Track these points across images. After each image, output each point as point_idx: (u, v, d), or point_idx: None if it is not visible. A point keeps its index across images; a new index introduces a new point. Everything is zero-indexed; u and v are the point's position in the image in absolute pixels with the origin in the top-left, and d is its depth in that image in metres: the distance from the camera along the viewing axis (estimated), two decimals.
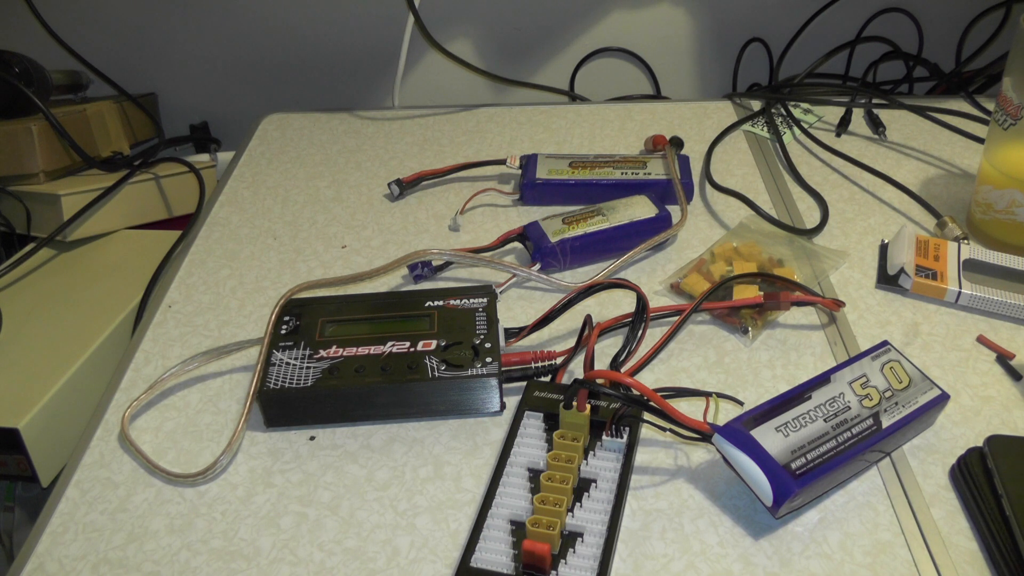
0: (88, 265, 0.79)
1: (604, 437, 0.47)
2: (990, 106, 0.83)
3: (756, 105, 0.88)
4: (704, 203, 0.72)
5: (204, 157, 0.94)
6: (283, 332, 0.54)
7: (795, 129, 0.82)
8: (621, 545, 0.44)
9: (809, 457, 0.44)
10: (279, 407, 0.51)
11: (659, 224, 0.65)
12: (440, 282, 0.64)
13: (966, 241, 0.65)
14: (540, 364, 0.53)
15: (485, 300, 0.56)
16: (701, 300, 0.57)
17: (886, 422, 0.46)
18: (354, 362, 0.51)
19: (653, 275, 0.64)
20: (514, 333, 0.55)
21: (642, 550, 0.44)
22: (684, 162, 0.74)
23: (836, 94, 0.90)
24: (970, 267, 0.61)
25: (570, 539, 0.42)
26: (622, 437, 0.47)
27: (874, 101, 0.85)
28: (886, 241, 0.66)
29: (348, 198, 0.75)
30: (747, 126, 0.84)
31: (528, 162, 0.74)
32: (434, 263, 0.64)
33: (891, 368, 0.49)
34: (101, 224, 0.82)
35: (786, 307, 0.57)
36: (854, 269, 0.64)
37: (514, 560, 0.41)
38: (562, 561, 0.41)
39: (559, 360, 0.53)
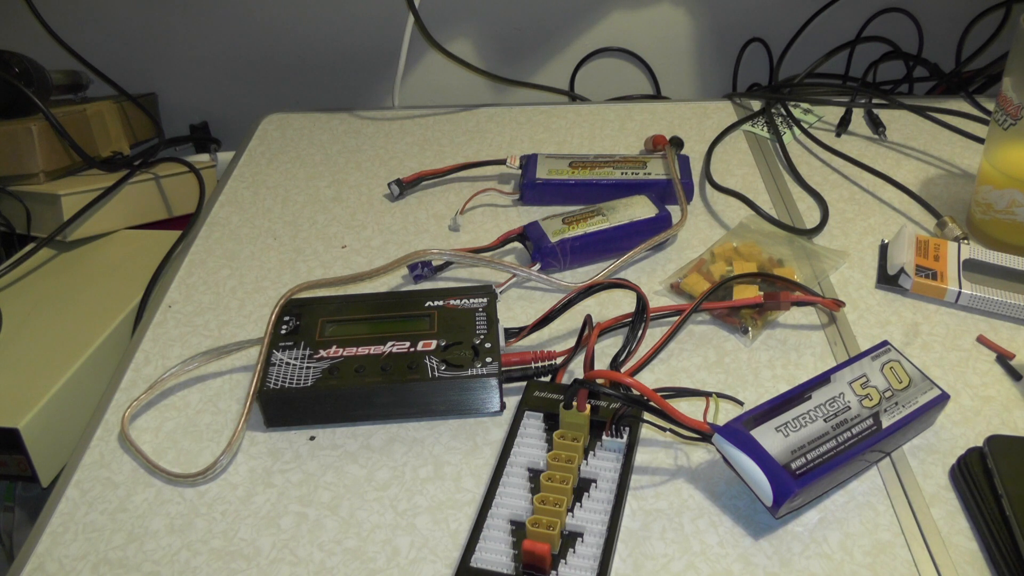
0: (88, 265, 0.79)
1: (604, 437, 0.47)
2: (990, 106, 0.83)
3: (756, 105, 0.88)
4: (704, 203, 0.72)
5: (204, 157, 0.94)
6: (283, 332, 0.54)
7: (795, 129, 0.82)
8: (621, 545, 0.44)
9: (809, 457, 0.44)
10: (279, 407, 0.51)
11: (659, 224, 0.65)
12: (440, 282, 0.64)
13: (966, 241, 0.65)
14: (540, 364, 0.53)
15: (485, 300, 0.56)
16: (701, 300, 0.57)
17: (886, 422, 0.46)
18: (354, 362, 0.51)
19: (653, 275, 0.64)
20: (514, 333, 0.55)
21: (642, 550, 0.44)
22: (684, 162, 0.74)
23: (836, 94, 0.90)
24: (970, 267, 0.61)
25: (570, 539, 0.42)
26: (622, 437, 0.47)
27: (874, 101, 0.85)
28: (886, 241, 0.66)
29: (348, 198, 0.75)
30: (747, 126, 0.84)
31: (528, 162, 0.74)
32: (434, 263, 0.64)
33: (891, 368, 0.49)
34: (101, 224, 0.82)
35: (786, 307, 0.57)
36: (854, 269, 0.64)
37: (514, 560, 0.41)
38: (562, 561, 0.41)
39: (559, 360, 0.53)
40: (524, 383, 0.52)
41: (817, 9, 0.97)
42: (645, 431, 0.50)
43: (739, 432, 0.45)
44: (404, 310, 0.55)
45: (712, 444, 0.46)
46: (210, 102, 1.04)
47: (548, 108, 0.89)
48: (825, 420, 0.46)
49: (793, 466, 0.43)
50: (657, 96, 1.03)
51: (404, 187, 0.74)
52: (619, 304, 0.61)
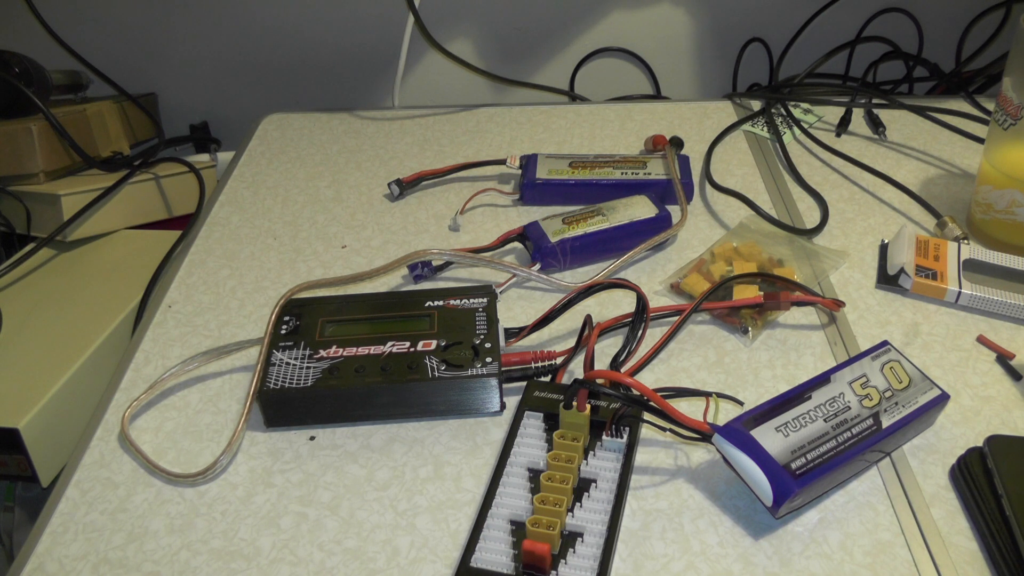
0: (88, 265, 0.79)
1: (604, 437, 0.47)
2: (990, 106, 0.83)
3: (756, 105, 0.88)
4: (704, 203, 0.72)
5: (204, 157, 0.94)
6: (283, 332, 0.54)
7: (795, 129, 0.82)
8: (621, 545, 0.44)
9: (809, 457, 0.44)
10: (279, 407, 0.51)
11: (659, 224, 0.65)
12: (440, 282, 0.64)
13: (966, 241, 0.65)
14: (540, 364, 0.53)
15: (485, 300, 0.56)
16: (701, 300, 0.57)
17: (886, 422, 0.46)
18: (354, 362, 0.51)
19: (653, 275, 0.64)
20: (514, 333, 0.55)
21: (642, 550, 0.44)
22: (684, 162, 0.74)
23: (836, 94, 0.90)
24: (970, 267, 0.61)
25: (570, 539, 0.42)
26: (622, 437, 0.47)
27: (874, 101, 0.85)
28: (886, 241, 0.66)
29: (348, 198, 0.75)
30: (747, 126, 0.84)
31: (528, 162, 0.74)
32: (434, 263, 0.64)
33: (891, 368, 0.49)
34: (101, 224, 0.82)
35: (786, 307, 0.57)
36: (854, 269, 0.64)
37: (514, 560, 0.41)
38: (562, 561, 0.41)
39: (559, 360, 0.53)
40: (524, 383, 0.52)
41: (817, 9, 0.97)
42: (645, 431, 0.50)
43: (739, 432, 0.45)
44: (404, 310, 0.55)
45: (712, 444, 0.46)
46: (210, 102, 1.04)
47: (548, 108, 0.89)
48: (825, 420, 0.46)
49: (793, 466, 0.43)
50: (657, 96, 1.03)
51: (404, 187, 0.74)
52: (619, 304, 0.61)
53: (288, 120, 0.89)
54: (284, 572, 0.44)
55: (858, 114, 0.85)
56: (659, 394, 0.46)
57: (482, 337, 0.53)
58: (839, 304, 0.58)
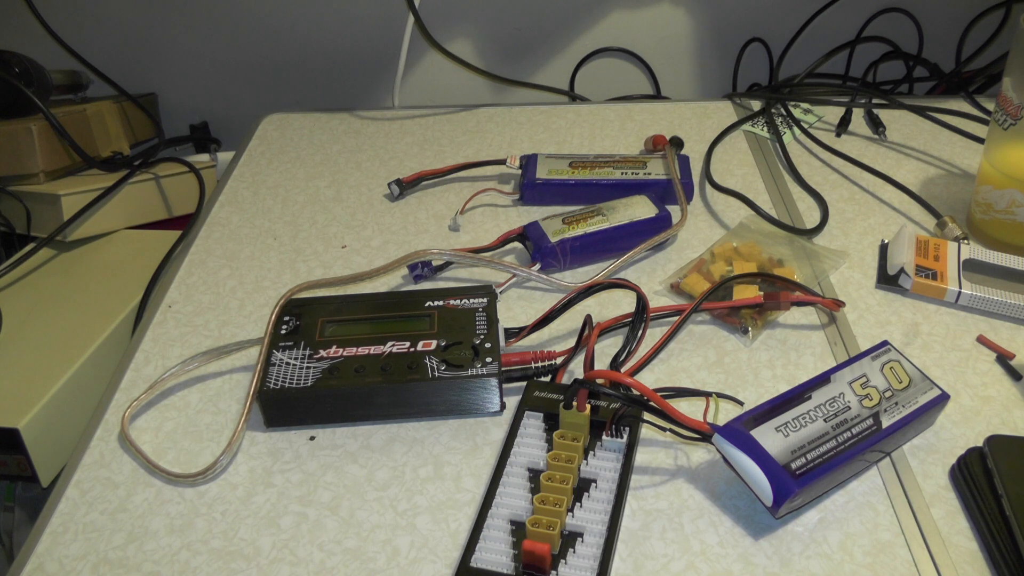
0: (88, 265, 0.79)
1: (604, 437, 0.47)
2: (990, 106, 0.83)
3: (756, 105, 0.88)
4: (704, 203, 0.72)
5: (204, 157, 0.94)
6: (283, 332, 0.54)
7: (795, 129, 0.82)
8: (621, 545, 0.44)
9: (809, 457, 0.44)
10: (279, 407, 0.51)
11: (659, 224, 0.65)
12: (440, 282, 0.64)
13: (966, 241, 0.65)
14: (540, 364, 0.53)
15: (485, 300, 0.56)
16: (701, 300, 0.57)
17: (886, 422, 0.46)
18: (354, 362, 0.51)
19: (653, 275, 0.64)
20: (514, 333, 0.55)
21: (642, 550, 0.44)
22: (684, 162, 0.74)
23: (836, 94, 0.90)
24: (970, 267, 0.61)
25: (570, 539, 0.42)
26: (622, 437, 0.47)
27: (874, 101, 0.85)
28: (886, 241, 0.66)
29: (348, 198, 0.75)
30: (747, 126, 0.84)
31: (528, 162, 0.74)
32: (434, 263, 0.64)
33: (891, 368, 0.49)
34: (101, 224, 0.82)
35: (786, 307, 0.57)
36: (854, 269, 0.64)
37: (514, 560, 0.41)
38: (562, 561, 0.41)
39: (559, 360, 0.53)
40: (524, 383, 0.52)
41: (817, 9, 0.97)
42: (645, 431, 0.50)
43: (739, 432, 0.45)
44: (404, 310, 0.55)
45: (712, 444, 0.46)
46: (210, 102, 1.04)
47: (548, 108, 0.89)
48: (825, 420, 0.46)
49: (793, 466, 0.43)
50: (657, 96, 1.03)
51: (404, 187, 0.74)
52: (619, 304, 0.61)
53: (288, 120, 0.89)
54: (284, 572, 0.44)
55: (858, 114, 0.85)
56: (659, 394, 0.46)
57: (482, 337, 0.53)
58: (839, 304, 0.58)
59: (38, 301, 0.74)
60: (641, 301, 0.54)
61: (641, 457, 0.49)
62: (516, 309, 0.61)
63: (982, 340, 0.56)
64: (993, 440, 0.46)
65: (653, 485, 0.47)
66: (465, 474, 0.48)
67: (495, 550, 0.42)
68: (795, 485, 0.42)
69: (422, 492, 0.47)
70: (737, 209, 0.71)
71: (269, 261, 0.67)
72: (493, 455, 0.50)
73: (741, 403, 0.52)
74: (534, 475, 0.46)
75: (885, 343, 0.51)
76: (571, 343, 0.56)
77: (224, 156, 0.94)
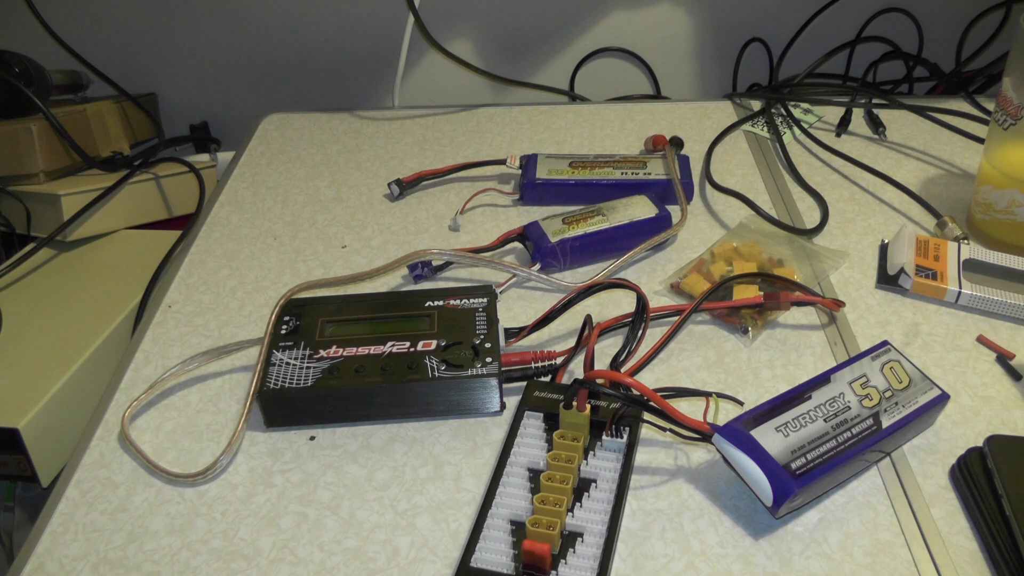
0: (88, 265, 0.79)
1: (604, 437, 0.47)
2: (990, 106, 0.83)
3: (756, 105, 0.88)
4: (704, 203, 0.72)
5: (204, 157, 0.94)
6: (283, 332, 0.54)
7: (795, 129, 0.82)
8: (621, 545, 0.44)
9: (809, 457, 0.44)
10: (279, 407, 0.51)
11: (659, 224, 0.65)
12: (440, 282, 0.64)
13: (966, 241, 0.65)
14: (540, 364, 0.53)
15: (485, 300, 0.56)
16: (701, 300, 0.57)
17: (886, 422, 0.46)
18: (354, 362, 0.51)
19: (653, 275, 0.64)
20: (514, 333, 0.55)
21: (642, 550, 0.44)
22: (684, 162, 0.74)
23: (836, 94, 0.90)
24: (970, 267, 0.61)
25: (570, 539, 0.42)
26: (622, 437, 0.47)
27: (874, 101, 0.85)
28: (886, 241, 0.66)
29: (348, 198, 0.75)
30: (747, 126, 0.84)
31: (528, 162, 0.74)
32: (434, 263, 0.64)
33: (891, 368, 0.49)
34: (101, 224, 0.82)
35: (786, 307, 0.57)
36: (854, 269, 0.64)
37: (514, 560, 0.41)
38: (562, 561, 0.41)
39: (559, 360, 0.53)
40: (524, 383, 0.52)
41: (817, 9, 0.97)
42: (645, 431, 0.50)
43: (739, 432, 0.45)
44: (404, 310, 0.55)
45: (712, 444, 0.46)
46: (210, 102, 1.04)
47: (548, 108, 0.89)
48: (825, 420, 0.46)
49: (793, 466, 0.43)
50: (657, 96, 1.03)
51: (404, 187, 0.74)
52: (619, 304, 0.61)
53: (288, 120, 0.89)
54: (284, 572, 0.44)
55: (858, 114, 0.85)
56: (659, 394, 0.46)
57: (482, 337, 0.53)
58: (839, 304, 0.58)
59: (38, 301, 0.74)
60: (641, 301, 0.54)
61: (641, 457, 0.49)
62: (516, 309, 0.61)
63: (982, 340, 0.56)
64: (993, 440, 0.46)
65: (653, 485, 0.47)
66: (465, 474, 0.48)
67: (495, 550, 0.42)
68: (795, 485, 0.42)
69: (422, 492, 0.47)
70: (737, 209, 0.71)
71: (269, 261, 0.67)
72: (493, 455, 0.50)
73: (741, 403, 0.52)
74: (534, 475, 0.46)
75: (885, 343, 0.51)
76: (571, 343, 0.56)
77: (224, 156, 0.94)
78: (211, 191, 0.83)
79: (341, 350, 0.52)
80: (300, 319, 0.55)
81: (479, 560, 0.42)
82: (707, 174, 0.75)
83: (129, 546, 0.45)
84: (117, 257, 0.80)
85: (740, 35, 0.99)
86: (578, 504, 0.44)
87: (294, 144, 0.84)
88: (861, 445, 0.45)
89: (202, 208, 0.78)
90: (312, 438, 0.51)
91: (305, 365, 0.51)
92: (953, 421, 0.51)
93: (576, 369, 0.54)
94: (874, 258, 0.65)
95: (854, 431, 0.45)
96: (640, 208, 0.66)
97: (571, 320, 0.59)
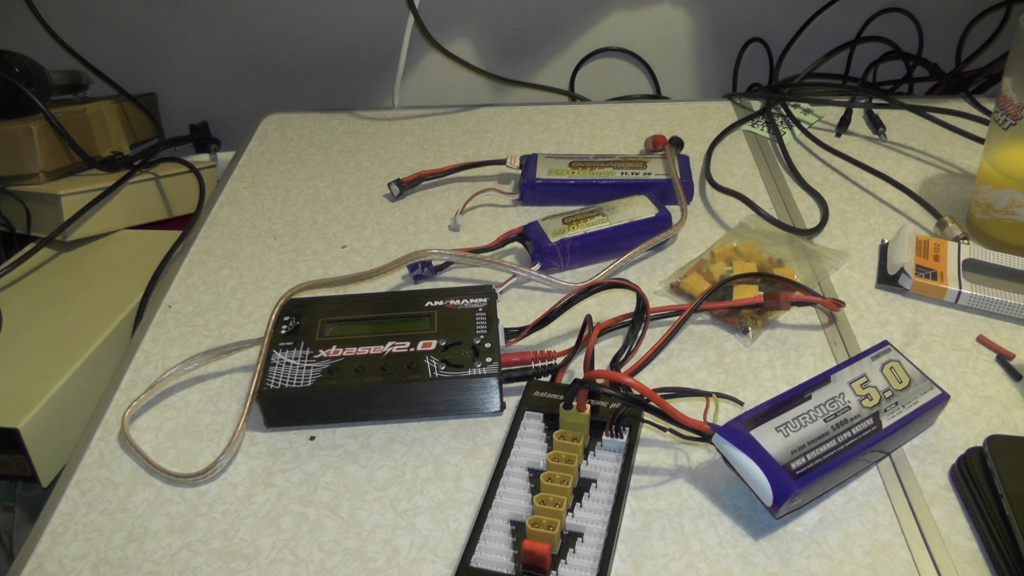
0: (88, 265, 0.79)
1: (604, 437, 0.47)
2: (990, 106, 0.83)
3: (756, 105, 0.88)
4: (704, 203, 0.72)
5: (204, 157, 0.94)
6: (283, 332, 0.54)
7: (795, 129, 0.82)
8: (621, 545, 0.44)
9: (809, 457, 0.44)
10: (279, 407, 0.51)
11: (659, 224, 0.65)
12: (440, 282, 0.64)
13: (966, 241, 0.65)
14: (540, 364, 0.53)
15: (485, 300, 0.56)
16: (701, 300, 0.57)
17: (886, 422, 0.46)
18: (354, 362, 0.51)
19: (653, 275, 0.64)
20: (514, 333, 0.55)
21: (642, 550, 0.44)
22: (684, 162, 0.74)
23: (836, 94, 0.90)
24: (970, 267, 0.61)
25: (570, 539, 0.42)
26: (622, 437, 0.47)
27: (874, 101, 0.85)
28: (886, 241, 0.66)
29: (348, 198, 0.75)
30: (747, 126, 0.84)
31: (528, 162, 0.74)
32: (434, 263, 0.64)
33: (891, 368, 0.49)
34: (101, 224, 0.82)
35: (786, 307, 0.56)
36: (854, 269, 0.64)
37: (514, 560, 0.41)
38: (562, 561, 0.41)
39: (559, 360, 0.53)
40: (524, 383, 0.52)
41: (817, 9, 0.97)
42: (645, 431, 0.50)
43: (739, 432, 0.45)
44: (404, 310, 0.55)
45: (712, 444, 0.46)
46: (210, 102, 1.04)
47: (548, 108, 0.89)
48: (825, 420, 0.46)
49: (793, 466, 0.43)
50: (657, 96, 1.03)
51: (404, 187, 0.74)
52: (619, 304, 0.61)
53: (288, 120, 0.89)
54: (284, 572, 0.44)
55: (858, 114, 0.85)
56: (659, 394, 0.46)
57: (482, 337, 0.53)
58: (839, 304, 0.58)
59: (38, 301, 0.74)
60: (641, 301, 0.54)
61: (641, 457, 0.49)
62: (516, 309, 0.61)
63: (982, 340, 0.56)
64: (993, 440, 0.46)
65: (653, 485, 0.47)
66: (465, 474, 0.48)
67: (495, 550, 0.42)
68: (795, 485, 0.42)
69: (422, 492, 0.47)
70: (737, 209, 0.71)
71: (269, 261, 0.67)
72: (493, 455, 0.50)
73: (741, 403, 0.52)
74: (534, 475, 0.46)
75: (885, 343, 0.51)
76: (571, 343, 0.56)
77: (224, 156, 0.94)
78: (211, 191, 0.83)
79: (341, 350, 0.52)
80: (300, 319, 0.55)
81: (479, 560, 0.42)
82: (707, 174, 0.75)
83: (129, 546, 0.45)
84: (117, 257, 0.80)
85: (740, 35, 0.99)
86: (578, 504, 0.44)
87: (294, 144, 0.84)
88: (861, 445, 0.45)
89: (202, 208, 0.78)
90: (312, 438, 0.51)
91: (305, 365, 0.51)
92: (953, 421, 0.51)
93: (576, 369, 0.54)
94: (874, 258, 0.65)
95: (854, 431, 0.45)
96: (640, 208, 0.66)
97: (571, 320, 0.59)
